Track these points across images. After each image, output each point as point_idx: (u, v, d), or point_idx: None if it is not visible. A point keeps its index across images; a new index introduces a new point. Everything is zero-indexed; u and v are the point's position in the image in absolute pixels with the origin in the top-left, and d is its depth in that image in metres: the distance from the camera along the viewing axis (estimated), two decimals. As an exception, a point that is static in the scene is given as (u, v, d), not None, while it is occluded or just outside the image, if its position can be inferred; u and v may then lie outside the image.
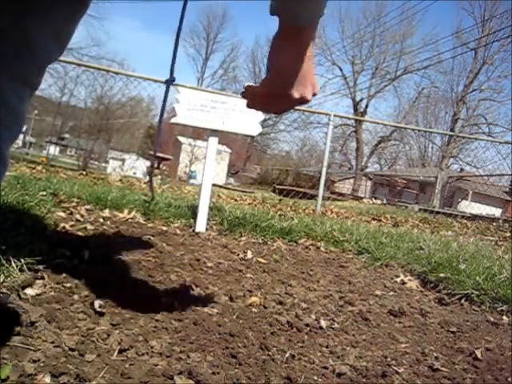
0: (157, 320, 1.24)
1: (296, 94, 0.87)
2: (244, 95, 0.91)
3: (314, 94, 0.90)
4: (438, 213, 7.94)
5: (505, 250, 3.21)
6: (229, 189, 13.46)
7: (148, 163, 24.33)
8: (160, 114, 1.23)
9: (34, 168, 5.15)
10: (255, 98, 0.91)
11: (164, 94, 1.12)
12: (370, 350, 1.28)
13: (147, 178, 9.58)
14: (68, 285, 1.37)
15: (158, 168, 16.58)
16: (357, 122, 29.47)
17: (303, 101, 0.89)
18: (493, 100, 27.18)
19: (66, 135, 37.24)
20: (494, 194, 17.95)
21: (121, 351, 1.04)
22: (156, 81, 5.46)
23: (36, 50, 0.82)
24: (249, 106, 0.93)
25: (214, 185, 3.50)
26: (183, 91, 2.84)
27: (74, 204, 2.72)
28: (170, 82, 1.03)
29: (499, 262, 2.37)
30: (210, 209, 2.88)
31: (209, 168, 2.81)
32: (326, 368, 1.13)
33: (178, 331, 1.20)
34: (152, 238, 2.22)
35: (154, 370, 0.98)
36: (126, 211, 2.74)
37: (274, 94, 0.87)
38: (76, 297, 1.30)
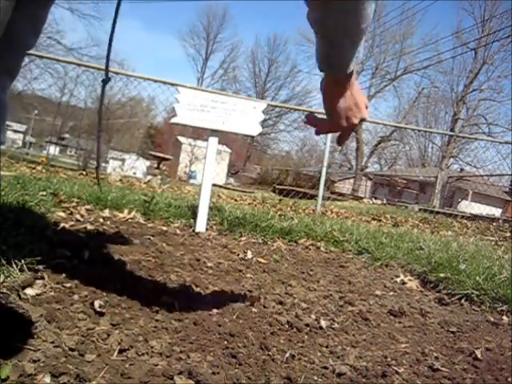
0: (157, 320, 1.24)
1: (355, 121, 1.06)
2: (309, 123, 1.12)
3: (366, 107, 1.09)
4: (438, 213, 7.93)
5: (505, 250, 3.21)
6: (229, 189, 13.46)
7: (148, 163, 24.34)
8: (98, 112, 1.23)
9: (34, 168, 5.15)
10: (323, 128, 1.13)
11: (100, 93, 1.14)
12: (370, 350, 1.28)
13: (147, 177, 9.58)
14: (68, 285, 1.37)
15: (157, 168, 16.59)
16: (357, 121, 29.39)
17: (362, 121, 1.09)
18: (493, 100, 27.22)
19: (66, 135, 37.24)
20: (494, 194, 17.94)
21: (121, 351, 1.04)
22: (156, 81, 5.46)
23: (15, 39, 0.84)
24: (317, 133, 1.13)
25: (214, 185, 3.50)
26: (183, 91, 2.84)
27: (74, 204, 2.72)
28: (105, 81, 1.03)
29: (499, 261, 2.37)
30: (210, 209, 2.88)
31: (209, 168, 2.81)
32: (326, 368, 1.13)
33: (178, 331, 1.20)
34: (152, 238, 2.22)
35: (153, 370, 0.98)
36: (126, 211, 2.74)
37: (339, 127, 1.08)
38: (76, 297, 1.30)
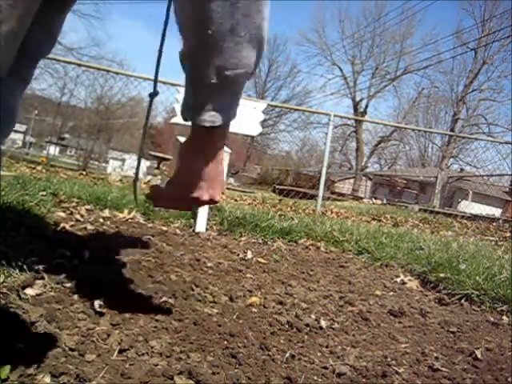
0: (157, 320, 1.24)
1: (205, 197, 0.88)
2: (148, 196, 0.93)
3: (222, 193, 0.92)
4: (438, 213, 7.93)
5: (505, 250, 3.21)
6: (229, 189, 13.45)
7: (148, 163, 24.31)
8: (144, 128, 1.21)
9: (34, 168, 5.15)
10: (161, 199, 0.95)
11: (147, 108, 1.07)
12: (370, 350, 1.28)
13: (147, 177, 9.57)
14: (68, 285, 1.36)
15: (157, 168, 16.57)
16: (357, 122, 29.49)
17: (211, 202, 0.90)
18: (493, 100, 27.23)
19: (66, 135, 37.23)
20: (494, 194, 17.94)
21: (121, 351, 1.04)
22: (156, 81, 5.45)
23: (27, 44, 0.80)
24: (155, 204, 0.99)
25: (213, 185, 3.49)
26: (183, 91, 2.84)
27: (73, 204, 2.72)
28: (153, 95, 0.98)
29: (499, 261, 2.37)
30: (210, 209, 2.88)
31: (209, 168, 2.81)
32: (326, 368, 1.13)
33: (178, 331, 1.20)
34: (152, 238, 2.22)
35: (153, 370, 0.98)
36: (126, 211, 2.74)
37: (181, 198, 0.88)
38: (76, 297, 1.30)
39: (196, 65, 0.77)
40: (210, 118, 0.79)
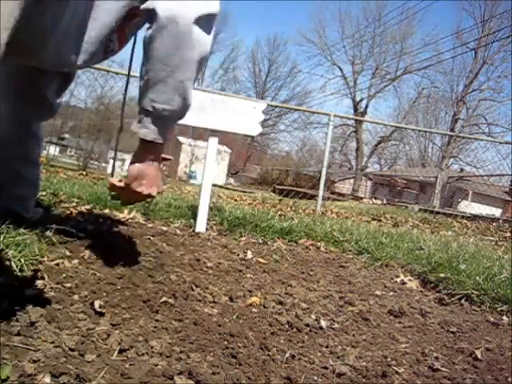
0: (157, 320, 1.24)
1: (145, 191, 1.37)
2: (109, 187, 1.42)
3: (159, 192, 1.44)
4: (438, 213, 7.92)
5: (505, 250, 3.21)
6: (229, 189, 13.46)
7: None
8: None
9: (34, 168, 5.14)
10: (114, 189, 1.42)
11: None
12: (370, 350, 1.28)
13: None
14: (68, 285, 1.36)
15: (157, 168, 16.54)
16: (357, 122, 29.47)
17: (149, 196, 1.39)
18: (493, 100, 27.21)
19: (66, 135, 37.19)
20: (494, 194, 17.95)
21: (121, 351, 1.04)
22: (156, 81, 5.44)
23: (47, 100, 1.59)
24: (110, 191, 1.46)
25: (214, 185, 3.50)
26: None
27: (73, 204, 2.72)
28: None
29: (499, 262, 2.36)
30: (210, 209, 2.87)
31: (209, 168, 2.81)
32: (326, 368, 1.13)
33: (178, 331, 1.20)
34: (152, 238, 2.22)
35: (153, 370, 0.98)
36: (126, 211, 2.74)
37: (128, 189, 1.37)
38: (76, 297, 1.30)
39: (140, 95, 1.34)
40: (143, 132, 1.33)
